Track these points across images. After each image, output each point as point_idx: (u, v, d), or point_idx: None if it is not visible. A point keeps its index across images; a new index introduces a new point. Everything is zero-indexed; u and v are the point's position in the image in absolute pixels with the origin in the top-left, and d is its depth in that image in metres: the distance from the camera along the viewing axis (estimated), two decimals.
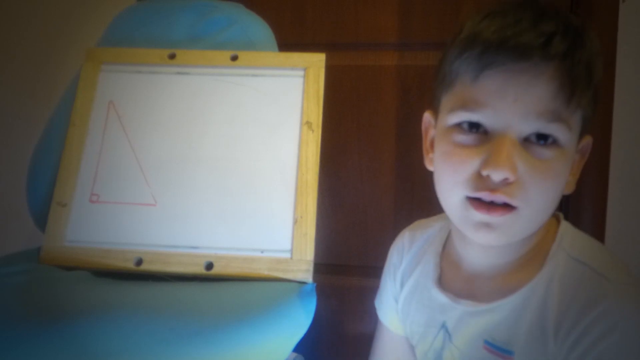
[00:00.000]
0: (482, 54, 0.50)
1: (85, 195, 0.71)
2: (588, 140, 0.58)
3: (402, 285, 0.71)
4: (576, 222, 0.61)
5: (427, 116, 0.64)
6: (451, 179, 0.54)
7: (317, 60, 0.75)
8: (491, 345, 0.57)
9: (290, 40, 1.03)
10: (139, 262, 0.67)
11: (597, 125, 0.92)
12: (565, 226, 0.59)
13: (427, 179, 0.76)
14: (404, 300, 0.71)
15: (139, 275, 0.67)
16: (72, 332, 0.54)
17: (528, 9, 0.51)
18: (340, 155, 1.07)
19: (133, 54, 0.78)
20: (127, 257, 0.68)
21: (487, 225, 0.52)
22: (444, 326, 0.63)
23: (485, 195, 0.51)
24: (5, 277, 0.66)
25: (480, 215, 0.52)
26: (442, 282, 0.65)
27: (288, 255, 0.67)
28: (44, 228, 0.70)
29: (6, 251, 0.75)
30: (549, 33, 0.49)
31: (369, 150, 1.06)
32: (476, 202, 0.52)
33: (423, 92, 1.04)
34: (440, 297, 0.63)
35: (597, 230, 0.96)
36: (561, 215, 0.60)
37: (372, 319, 0.79)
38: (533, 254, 0.57)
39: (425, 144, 0.64)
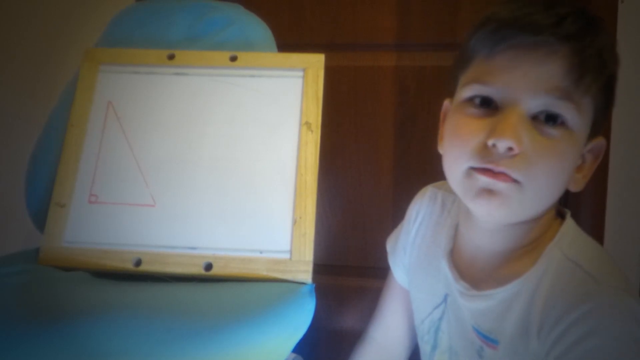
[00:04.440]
0: (496, 30, 0.53)
1: (84, 195, 0.71)
2: (601, 141, 0.58)
3: (414, 238, 0.71)
4: (575, 220, 0.60)
5: (446, 103, 0.64)
6: (458, 150, 0.55)
7: (316, 61, 0.75)
8: (477, 331, 0.59)
9: (289, 40, 1.03)
10: (138, 262, 0.68)
11: None
12: (568, 225, 0.58)
13: (425, 179, 0.77)
14: (414, 260, 0.70)
15: (137, 276, 0.67)
16: (71, 332, 0.54)
17: None
18: (338, 156, 1.07)
19: (132, 55, 0.77)
20: (125, 258, 0.68)
21: (489, 192, 0.52)
22: (445, 300, 0.64)
23: (489, 167, 0.52)
24: (4, 277, 0.66)
25: (483, 179, 0.52)
26: (453, 257, 0.65)
27: (287, 255, 0.67)
28: (42, 228, 0.70)
29: (5, 251, 0.75)
30: (562, 15, 0.51)
31: (368, 150, 1.06)
32: (480, 169, 0.53)
33: (421, 92, 1.04)
34: (446, 271, 0.63)
35: (596, 229, 0.96)
36: (568, 213, 0.60)
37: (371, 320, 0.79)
38: (531, 248, 0.57)
39: (441, 130, 0.64)
